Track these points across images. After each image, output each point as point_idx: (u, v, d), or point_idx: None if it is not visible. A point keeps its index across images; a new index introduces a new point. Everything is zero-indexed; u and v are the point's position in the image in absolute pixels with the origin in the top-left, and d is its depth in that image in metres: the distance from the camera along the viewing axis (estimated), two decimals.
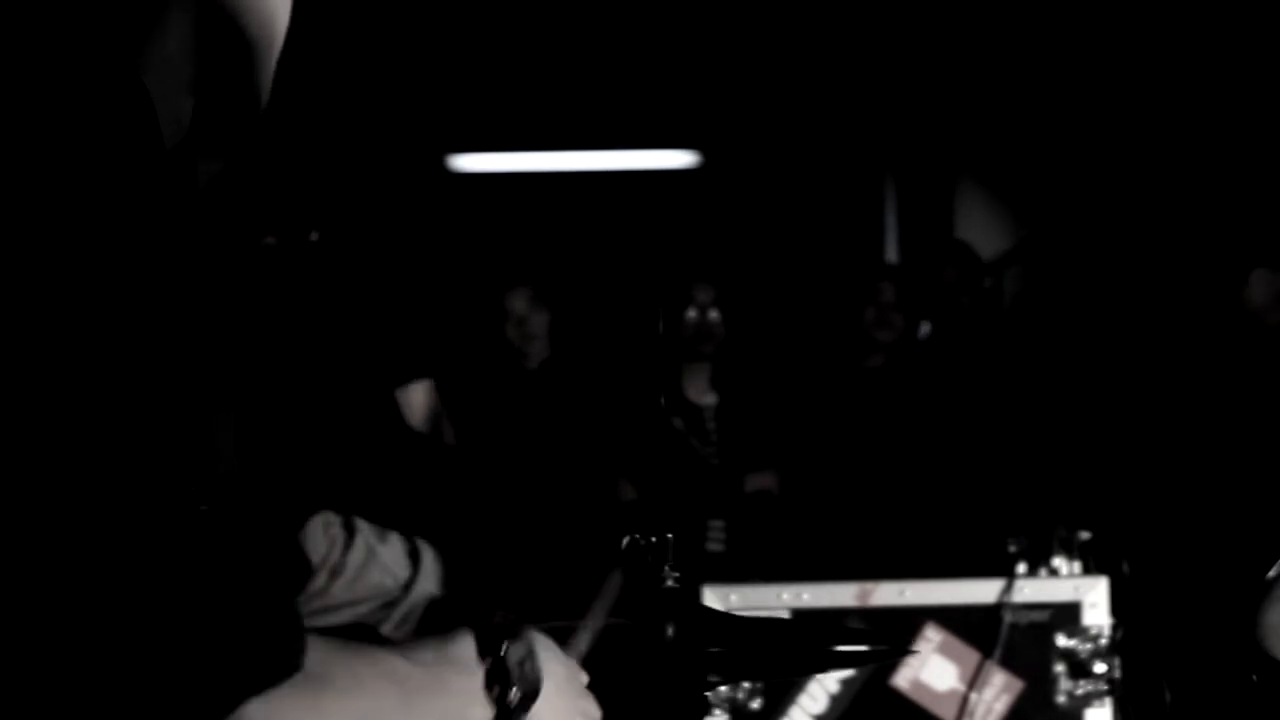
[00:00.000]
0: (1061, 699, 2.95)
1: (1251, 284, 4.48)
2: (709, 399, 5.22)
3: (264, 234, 3.93)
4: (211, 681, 1.04)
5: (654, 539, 1.58)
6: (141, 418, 1.02)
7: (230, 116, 1.25)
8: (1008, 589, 2.97)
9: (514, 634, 1.34)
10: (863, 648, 1.64)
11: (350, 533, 2.49)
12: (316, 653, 1.13)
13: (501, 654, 1.32)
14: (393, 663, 1.24)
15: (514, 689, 1.32)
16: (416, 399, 4.28)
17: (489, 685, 1.31)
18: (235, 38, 1.20)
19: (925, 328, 5.81)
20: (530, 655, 1.34)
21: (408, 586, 2.43)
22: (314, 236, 3.98)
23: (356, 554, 2.47)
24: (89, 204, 1.02)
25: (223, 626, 1.04)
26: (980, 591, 2.99)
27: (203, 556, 1.04)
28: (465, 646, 1.31)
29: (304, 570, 2.58)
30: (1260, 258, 4.52)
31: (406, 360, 4.31)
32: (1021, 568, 3.07)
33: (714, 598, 2.85)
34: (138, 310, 1.03)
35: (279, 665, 1.08)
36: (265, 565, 1.09)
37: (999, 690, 2.95)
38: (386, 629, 2.39)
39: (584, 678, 1.46)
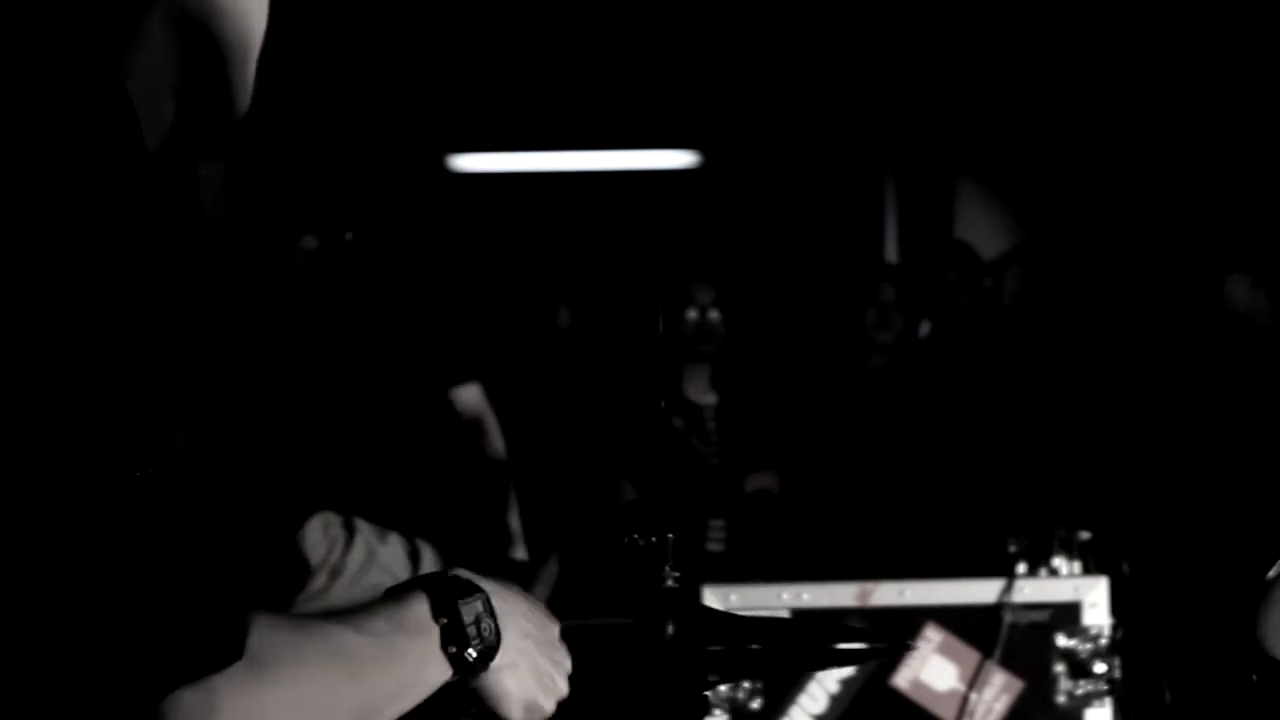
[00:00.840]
0: (1061, 699, 2.95)
1: (1228, 290, 4.46)
2: (709, 399, 5.22)
3: (302, 235, 3.94)
4: (139, 668, 1.02)
5: (654, 539, 1.58)
6: (90, 395, 1.02)
7: (211, 120, 1.26)
8: (1008, 589, 2.97)
9: (468, 592, 1.34)
10: (862, 646, 1.64)
11: (350, 533, 2.50)
12: (263, 635, 1.12)
13: (456, 613, 1.32)
14: (342, 638, 1.23)
15: (470, 647, 1.33)
16: (468, 399, 4.31)
17: (445, 645, 1.31)
18: (212, 43, 1.21)
19: (925, 328, 5.81)
20: (487, 612, 1.35)
21: None
22: (349, 236, 4.00)
23: (356, 554, 2.48)
24: (71, 206, 1.03)
25: (154, 610, 1.02)
26: (980, 591, 2.99)
27: (132, 532, 1.02)
28: (419, 608, 1.31)
29: (303, 570, 2.59)
30: (1236, 263, 4.49)
31: (459, 361, 4.34)
32: (1021, 568, 3.07)
33: (714, 598, 2.85)
34: (110, 310, 1.04)
35: (216, 651, 1.06)
36: (211, 542, 1.07)
37: (999, 690, 2.95)
38: None
39: (555, 629, 1.46)
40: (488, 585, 1.39)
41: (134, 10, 1.17)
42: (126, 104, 1.11)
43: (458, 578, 1.36)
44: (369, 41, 6.07)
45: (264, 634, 1.12)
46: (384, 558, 2.48)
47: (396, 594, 1.33)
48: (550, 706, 1.42)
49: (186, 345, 1.12)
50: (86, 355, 1.02)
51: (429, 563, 2.52)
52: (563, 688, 1.43)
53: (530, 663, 1.39)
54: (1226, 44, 5.47)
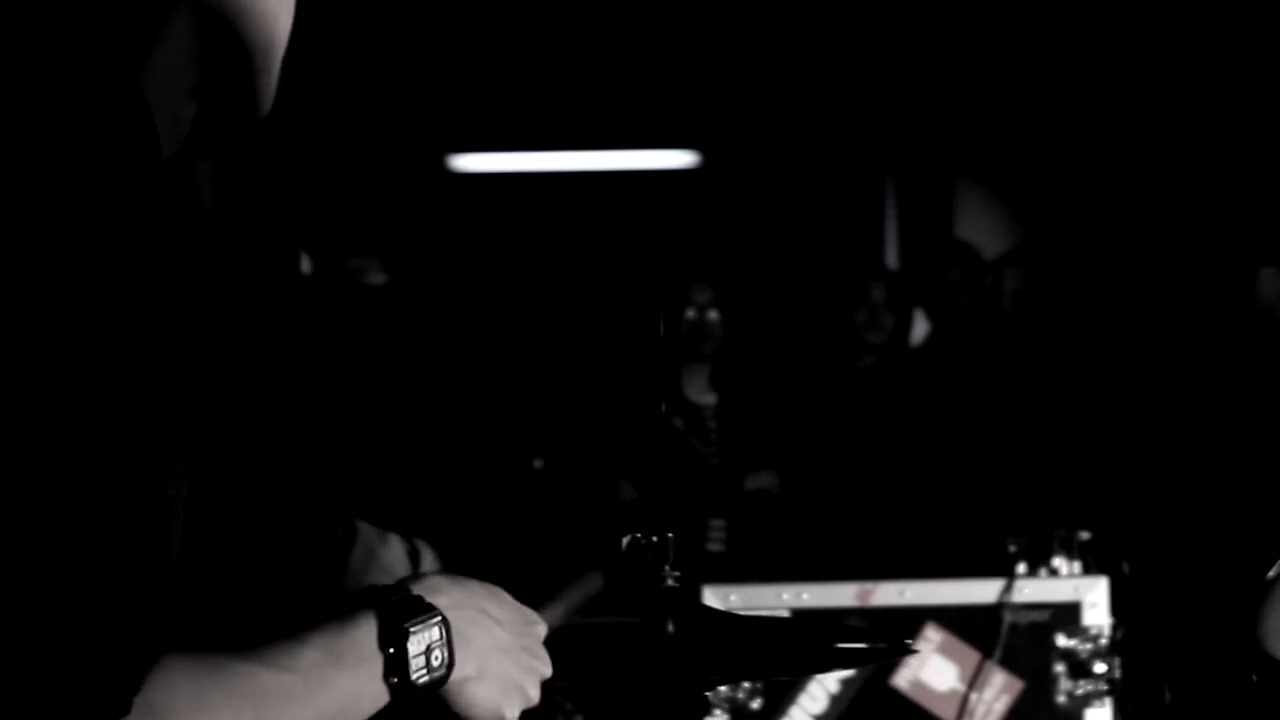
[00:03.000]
0: (1061, 699, 2.95)
1: (1260, 284, 4.48)
2: (709, 399, 5.22)
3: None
4: None
5: (654, 539, 1.58)
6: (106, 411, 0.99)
7: (232, 122, 1.25)
8: (1008, 589, 2.97)
9: (423, 614, 1.30)
10: (863, 646, 1.64)
11: (350, 533, 2.49)
12: (162, 684, 1.08)
13: (404, 643, 1.27)
14: (255, 678, 1.18)
15: (414, 678, 1.27)
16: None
17: (387, 676, 1.26)
18: (236, 44, 1.20)
19: (921, 328, 5.81)
20: (442, 639, 1.30)
21: None
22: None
23: (357, 554, 2.47)
24: (83, 210, 1.02)
25: (31, 662, 0.97)
26: (980, 591, 2.98)
27: (27, 579, 0.97)
28: (364, 635, 1.26)
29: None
30: (1266, 256, 4.51)
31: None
32: (1021, 568, 3.07)
33: (714, 598, 2.85)
34: (125, 316, 1.02)
35: (98, 707, 1.00)
36: (125, 584, 1.01)
37: (999, 690, 2.95)
38: None
39: (537, 630, 1.43)
40: (459, 591, 1.34)
41: (158, 11, 1.16)
42: (142, 107, 1.09)
43: (417, 599, 1.31)
44: (369, 41, 6.07)
45: (164, 682, 1.08)
46: (384, 558, 2.48)
47: (349, 609, 1.28)
48: (514, 716, 1.38)
49: (189, 351, 1.11)
50: (98, 366, 1.01)
51: (429, 563, 2.51)
52: (533, 696, 1.39)
53: (498, 673, 1.36)
54: (1225, 41, 5.47)
